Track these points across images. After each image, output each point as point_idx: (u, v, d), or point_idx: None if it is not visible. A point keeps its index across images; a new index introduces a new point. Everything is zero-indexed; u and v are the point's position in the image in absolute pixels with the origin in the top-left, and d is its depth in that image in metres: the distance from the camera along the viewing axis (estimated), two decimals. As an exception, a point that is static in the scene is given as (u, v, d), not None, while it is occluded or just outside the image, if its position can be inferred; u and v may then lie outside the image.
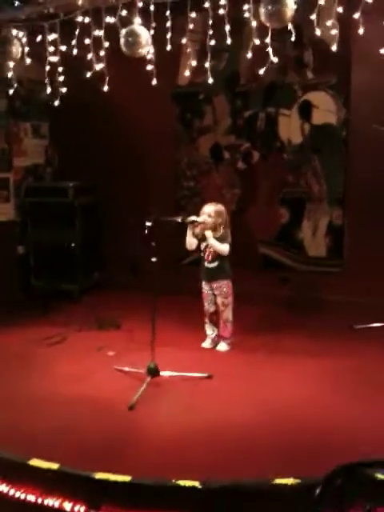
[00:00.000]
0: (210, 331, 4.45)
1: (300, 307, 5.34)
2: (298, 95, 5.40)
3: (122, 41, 4.06)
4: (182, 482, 2.55)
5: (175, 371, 3.81)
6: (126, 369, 3.92)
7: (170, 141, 5.97)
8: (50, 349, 4.49)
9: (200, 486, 2.52)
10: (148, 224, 3.63)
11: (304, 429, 3.11)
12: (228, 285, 4.30)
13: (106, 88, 4.25)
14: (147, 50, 4.11)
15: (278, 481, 2.51)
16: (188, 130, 5.91)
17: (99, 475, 2.61)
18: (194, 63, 4.38)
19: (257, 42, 3.75)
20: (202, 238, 4.26)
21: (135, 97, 5.68)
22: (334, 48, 3.74)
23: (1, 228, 5.77)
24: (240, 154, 5.71)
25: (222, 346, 4.38)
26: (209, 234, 4.19)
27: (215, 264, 4.27)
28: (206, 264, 4.31)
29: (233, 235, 5.82)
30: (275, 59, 3.66)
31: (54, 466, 2.70)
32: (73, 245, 5.83)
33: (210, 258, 4.28)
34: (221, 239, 4.21)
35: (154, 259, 3.72)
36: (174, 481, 2.56)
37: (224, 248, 4.20)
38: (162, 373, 3.75)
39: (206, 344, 4.45)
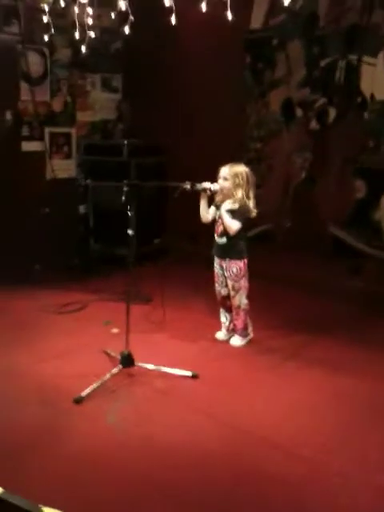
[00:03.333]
0: (224, 319, 3.79)
1: (366, 304, 4.34)
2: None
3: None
4: (46, 510, 2.08)
5: (156, 364, 3.26)
6: (111, 352, 3.47)
7: (239, 96, 5.20)
8: (60, 317, 4.22)
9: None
10: (125, 189, 3.08)
11: (254, 477, 2.37)
12: (239, 265, 3.57)
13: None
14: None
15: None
16: (258, 82, 5.06)
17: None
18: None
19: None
20: (219, 206, 3.57)
21: (207, 45, 5.01)
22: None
23: (62, 185, 5.58)
24: (314, 111, 4.75)
25: (235, 340, 3.70)
26: (225, 204, 3.49)
27: (224, 240, 3.56)
28: (216, 237, 3.62)
29: (298, 211, 4.96)
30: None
31: None
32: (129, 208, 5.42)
33: (219, 231, 3.59)
34: (238, 213, 3.48)
35: (130, 232, 3.16)
36: (40, 506, 2.11)
37: (233, 225, 3.46)
38: (137, 363, 3.23)
39: (220, 335, 3.80)
